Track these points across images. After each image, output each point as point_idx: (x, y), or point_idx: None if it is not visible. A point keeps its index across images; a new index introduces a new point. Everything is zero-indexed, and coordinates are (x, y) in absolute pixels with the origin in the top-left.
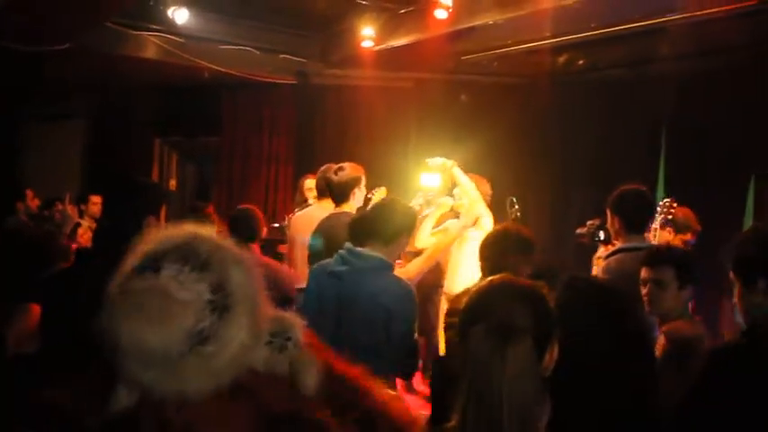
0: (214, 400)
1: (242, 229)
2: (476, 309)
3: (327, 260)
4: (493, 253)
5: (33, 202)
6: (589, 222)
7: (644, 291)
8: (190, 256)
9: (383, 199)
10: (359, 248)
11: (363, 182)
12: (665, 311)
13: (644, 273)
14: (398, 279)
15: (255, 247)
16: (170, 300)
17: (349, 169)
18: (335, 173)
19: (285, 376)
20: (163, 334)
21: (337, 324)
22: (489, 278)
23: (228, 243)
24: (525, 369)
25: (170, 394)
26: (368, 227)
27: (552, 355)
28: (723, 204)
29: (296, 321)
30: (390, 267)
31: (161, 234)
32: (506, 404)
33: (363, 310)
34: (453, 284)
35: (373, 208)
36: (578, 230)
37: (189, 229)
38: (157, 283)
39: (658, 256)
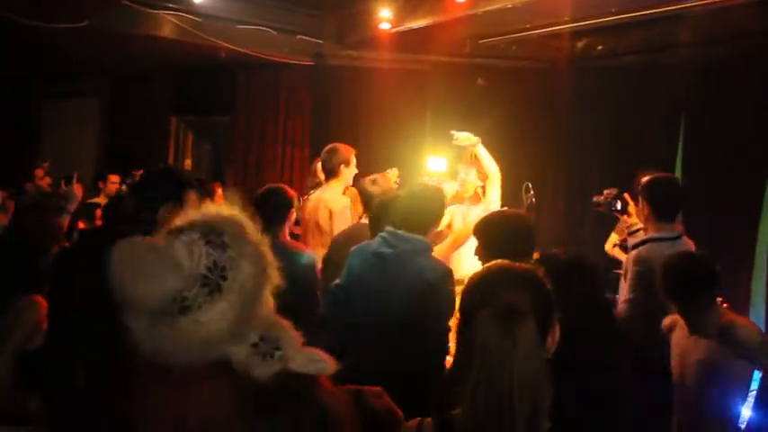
0: (192, 375)
1: (268, 211)
2: (478, 294)
3: (368, 241)
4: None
5: (44, 181)
6: (606, 191)
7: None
8: (211, 232)
9: (420, 185)
10: (401, 231)
11: (353, 161)
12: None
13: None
14: (439, 260)
15: (284, 231)
16: (165, 257)
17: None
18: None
19: (264, 381)
20: (148, 285)
21: (379, 302)
22: (486, 265)
23: (257, 238)
24: (533, 350)
25: (153, 353)
26: (408, 211)
27: (554, 337)
28: (741, 191)
29: (293, 338)
30: (431, 249)
31: (204, 208)
32: (517, 387)
33: (407, 287)
34: (458, 270)
35: (412, 194)
36: (595, 198)
37: (229, 211)
38: (160, 240)
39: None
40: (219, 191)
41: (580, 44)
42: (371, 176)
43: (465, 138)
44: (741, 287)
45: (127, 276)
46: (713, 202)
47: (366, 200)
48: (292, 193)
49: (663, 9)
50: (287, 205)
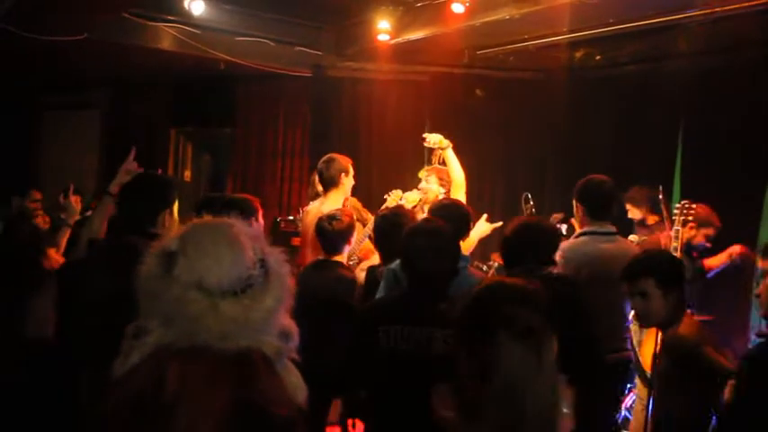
0: (214, 363)
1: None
2: (490, 312)
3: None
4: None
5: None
6: (553, 215)
7: (632, 305)
8: (248, 230)
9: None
10: None
11: (351, 171)
12: (658, 322)
13: (625, 287)
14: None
15: None
16: (239, 237)
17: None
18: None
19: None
20: (235, 259)
21: None
22: (486, 282)
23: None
24: (553, 368)
25: (201, 336)
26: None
27: (555, 349)
28: (739, 200)
29: (296, 333)
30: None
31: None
32: (534, 404)
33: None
34: None
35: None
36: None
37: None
38: (232, 222)
39: (635, 268)
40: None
41: (578, 54)
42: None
43: (436, 140)
44: None
45: (206, 253)
46: (713, 209)
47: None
48: (257, 202)
49: (660, 19)
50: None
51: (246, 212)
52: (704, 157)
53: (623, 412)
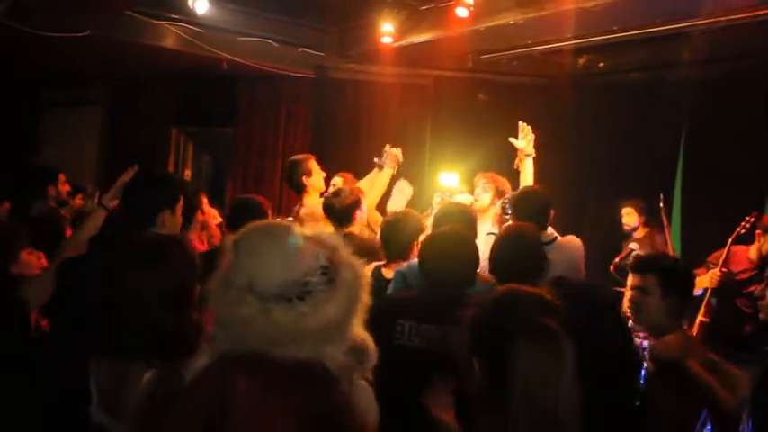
0: (281, 374)
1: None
2: (505, 318)
3: (414, 262)
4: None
5: (64, 187)
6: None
7: (628, 300)
8: (317, 238)
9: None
10: None
11: (314, 167)
12: (650, 324)
13: (630, 280)
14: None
15: None
16: (292, 246)
17: (345, 193)
18: (333, 197)
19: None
20: (284, 262)
21: None
22: (498, 290)
23: (349, 252)
24: (572, 370)
25: (255, 341)
26: None
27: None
28: (742, 209)
29: (374, 352)
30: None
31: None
32: (562, 405)
33: None
34: None
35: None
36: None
37: (327, 232)
38: (292, 225)
39: (644, 262)
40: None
41: (582, 61)
42: (333, 188)
43: (523, 144)
44: None
45: (259, 255)
46: (714, 220)
47: (330, 213)
48: (267, 205)
49: (665, 27)
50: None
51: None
52: (707, 165)
53: None
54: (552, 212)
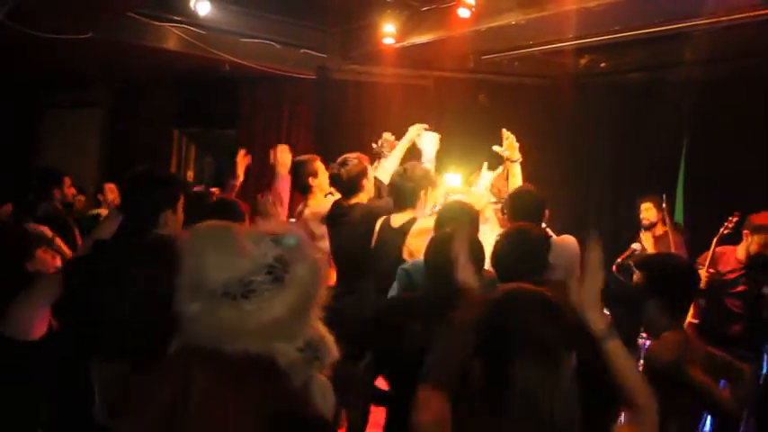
0: (234, 368)
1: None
2: (507, 325)
3: (418, 260)
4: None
5: (70, 190)
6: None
7: None
8: (275, 235)
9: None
10: None
11: (320, 168)
12: (646, 322)
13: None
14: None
15: None
16: (240, 241)
17: (353, 162)
18: (340, 167)
19: (298, 387)
20: (220, 262)
21: None
22: (504, 289)
23: (311, 247)
24: (571, 383)
25: (200, 338)
26: None
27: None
28: (744, 209)
29: (333, 348)
30: None
31: (262, 223)
32: (558, 419)
33: None
34: None
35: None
36: None
37: (288, 226)
38: (236, 227)
39: (637, 262)
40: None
41: (583, 61)
42: (341, 158)
43: (507, 152)
44: None
45: (203, 251)
46: (716, 219)
47: (338, 183)
48: (244, 207)
49: (666, 27)
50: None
51: (233, 217)
52: (708, 165)
53: None
54: (547, 212)
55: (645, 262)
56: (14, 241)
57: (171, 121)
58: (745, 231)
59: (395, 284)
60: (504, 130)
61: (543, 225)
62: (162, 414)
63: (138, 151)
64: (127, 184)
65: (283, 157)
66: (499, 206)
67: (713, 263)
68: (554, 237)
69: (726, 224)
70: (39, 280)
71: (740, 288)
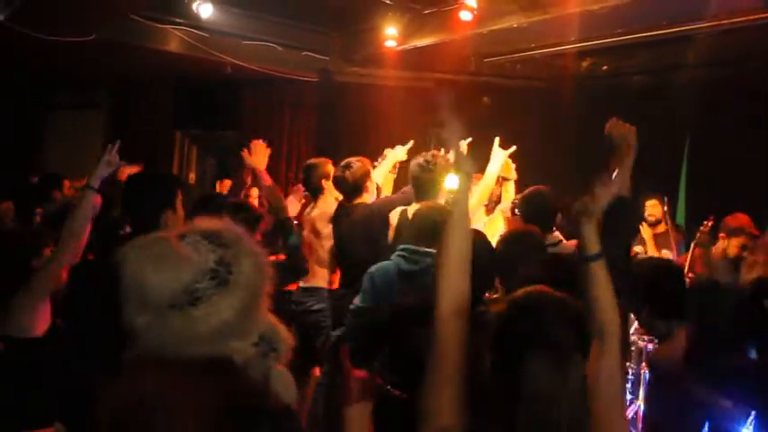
0: (187, 372)
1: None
2: (524, 329)
3: (384, 263)
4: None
5: (70, 192)
6: (518, 195)
7: None
8: (213, 235)
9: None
10: (420, 248)
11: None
12: (644, 326)
13: None
14: None
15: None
16: (175, 252)
17: (356, 165)
18: (345, 170)
19: (257, 380)
20: (160, 278)
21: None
22: (527, 291)
23: (253, 241)
24: (581, 386)
25: (153, 348)
26: (428, 228)
27: (591, 360)
28: (745, 211)
29: (287, 337)
30: None
31: (197, 221)
32: (565, 422)
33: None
34: None
35: (426, 211)
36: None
37: (225, 222)
38: (169, 236)
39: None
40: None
41: (585, 64)
42: (345, 161)
43: (506, 171)
44: None
45: (141, 270)
46: (717, 221)
47: (341, 185)
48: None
49: (668, 31)
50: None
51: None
52: (710, 170)
53: None
54: (559, 216)
55: (634, 272)
56: (23, 238)
57: (173, 122)
58: (721, 234)
59: (359, 296)
60: (497, 140)
61: (554, 228)
62: (117, 421)
63: (140, 153)
64: (125, 188)
65: (261, 153)
66: (505, 207)
67: (692, 265)
68: (564, 241)
69: (702, 228)
70: (34, 275)
71: None
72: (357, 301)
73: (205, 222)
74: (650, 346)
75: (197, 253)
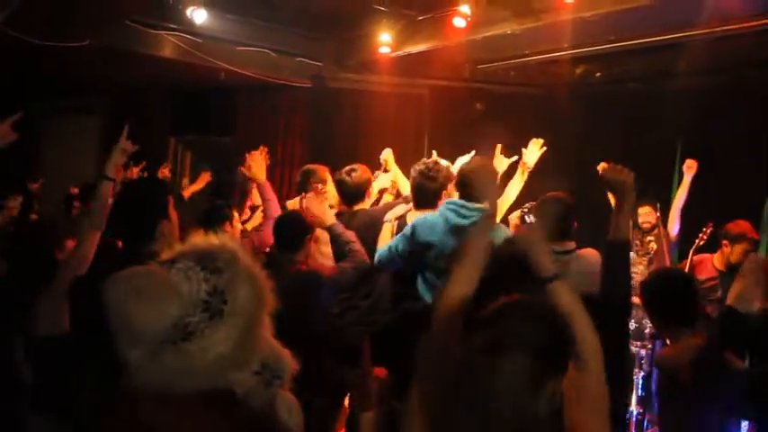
0: (189, 406)
1: (284, 238)
2: (496, 333)
3: (432, 216)
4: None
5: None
6: (528, 204)
7: None
8: (206, 258)
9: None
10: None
11: (329, 179)
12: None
13: None
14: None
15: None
16: (165, 285)
17: (360, 170)
18: (348, 174)
19: (260, 410)
20: (149, 314)
21: None
22: (508, 300)
23: (250, 261)
24: (515, 387)
25: (149, 382)
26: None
27: (557, 386)
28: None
29: (290, 363)
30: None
31: (192, 240)
32: (494, 419)
33: None
34: None
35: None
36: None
37: (219, 240)
38: (159, 269)
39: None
40: None
41: (579, 71)
42: (348, 167)
43: (535, 156)
44: None
45: (125, 306)
46: (716, 229)
47: (343, 189)
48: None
49: (662, 38)
50: (300, 232)
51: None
52: (703, 177)
53: None
54: (575, 223)
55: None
56: (47, 229)
57: (167, 128)
58: (723, 241)
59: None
60: (537, 140)
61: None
62: None
63: (135, 159)
64: (116, 202)
65: (259, 164)
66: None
67: (691, 271)
68: (577, 251)
69: (701, 235)
70: (57, 276)
71: (718, 295)
72: (387, 246)
73: (200, 240)
74: (643, 352)
75: (188, 282)
